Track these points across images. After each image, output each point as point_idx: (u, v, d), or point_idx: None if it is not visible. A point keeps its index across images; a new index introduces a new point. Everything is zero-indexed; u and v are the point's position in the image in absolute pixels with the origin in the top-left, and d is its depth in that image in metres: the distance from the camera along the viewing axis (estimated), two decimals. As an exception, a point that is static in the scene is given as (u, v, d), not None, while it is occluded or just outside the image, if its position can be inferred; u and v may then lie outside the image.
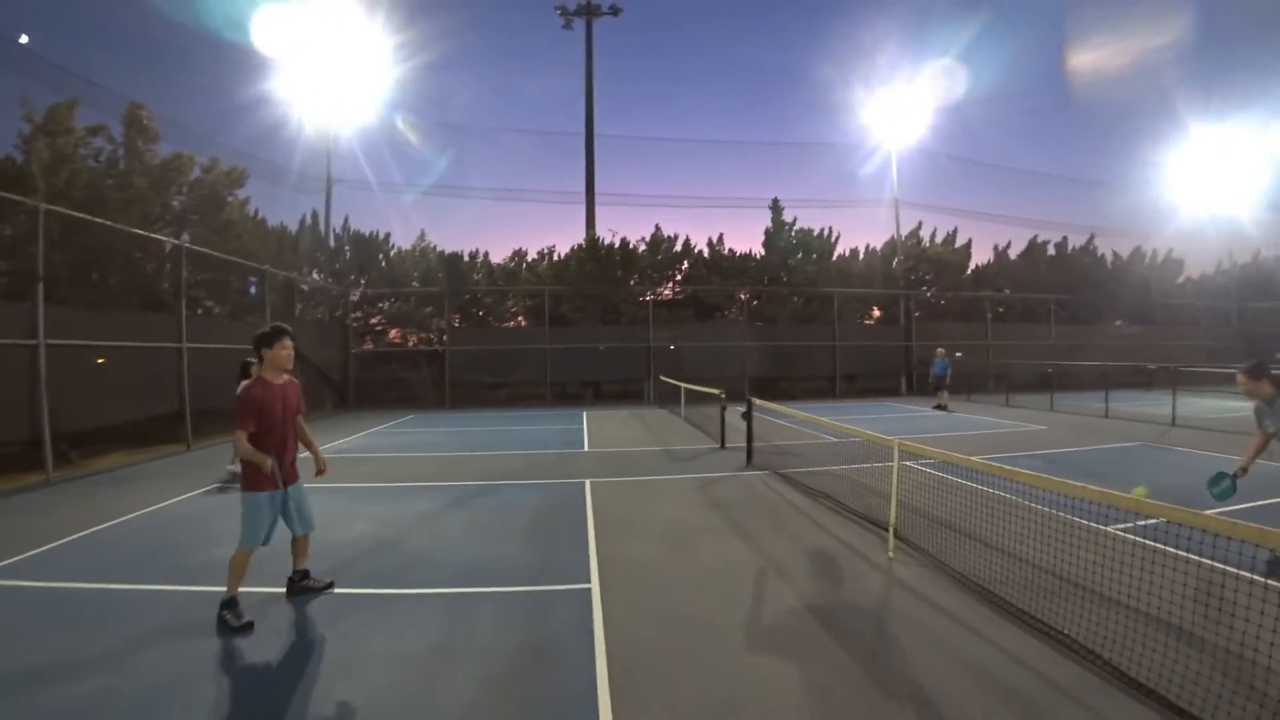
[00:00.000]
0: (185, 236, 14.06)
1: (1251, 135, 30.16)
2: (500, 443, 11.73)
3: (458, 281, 21.90)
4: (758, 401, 9.53)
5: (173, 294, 12.05)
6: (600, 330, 21.75)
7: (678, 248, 23.77)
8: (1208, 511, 2.92)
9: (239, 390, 4.06)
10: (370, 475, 8.78)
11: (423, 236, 22.99)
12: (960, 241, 26.25)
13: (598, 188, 26.64)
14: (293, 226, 20.90)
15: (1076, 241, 27.80)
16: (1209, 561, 3.16)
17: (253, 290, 15.31)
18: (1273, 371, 4.56)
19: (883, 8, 58.84)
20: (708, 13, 63.56)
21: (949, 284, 25.55)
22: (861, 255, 25.48)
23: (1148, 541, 4.14)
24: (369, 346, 21.98)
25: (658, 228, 23.77)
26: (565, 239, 54.45)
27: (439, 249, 22.78)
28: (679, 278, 23.95)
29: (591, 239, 23.61)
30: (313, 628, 3.87)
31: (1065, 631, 3.46)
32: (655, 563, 4.91)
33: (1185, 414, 13.12)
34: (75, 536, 5.83)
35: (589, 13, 26.53)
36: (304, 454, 4.38)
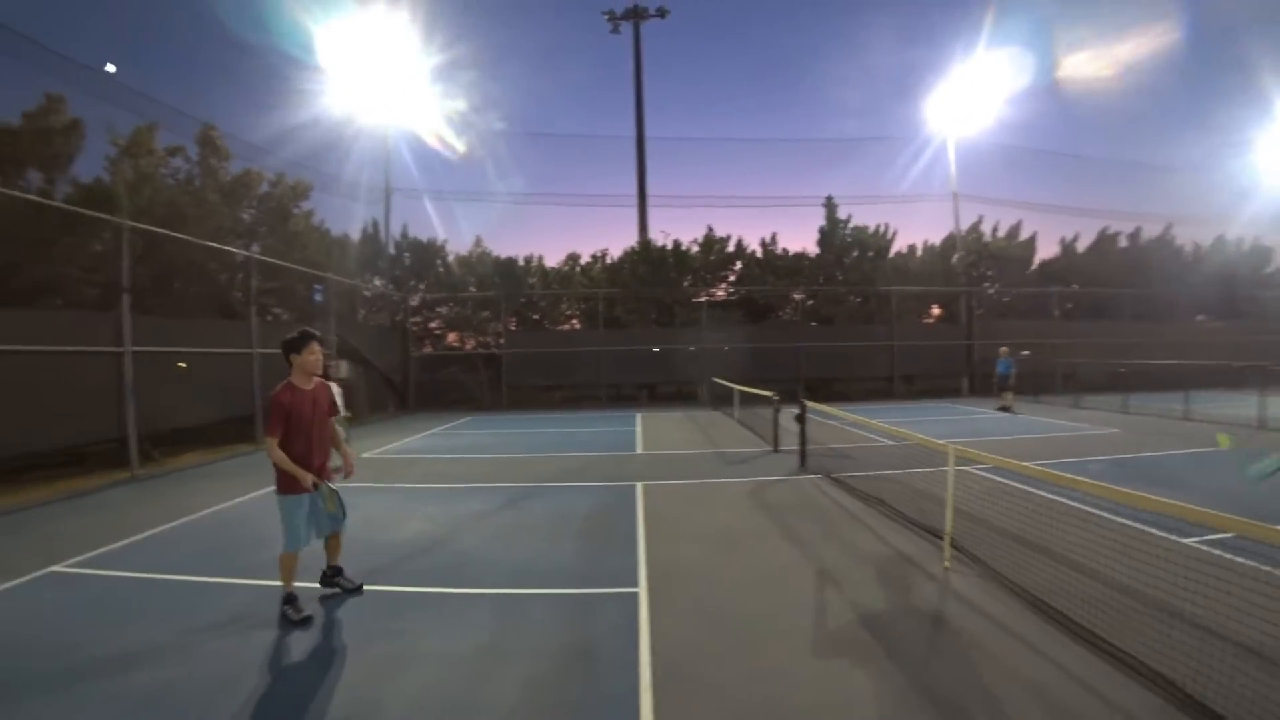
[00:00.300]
0: (255, 247, 14.82)
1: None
2: (554, 445, 11.94)
3: (513, 285, 22.33)
4: (810, 404, 9.43)
5: (244, 302, 12.72)
6: (654, 332, 21.86)
7: (730, 248, 23.64)
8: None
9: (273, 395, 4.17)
10: (427, 476, 9.08)
11: (479, 242, 23.60)
12: (1024, 235, 25.34)
13: (650, 190, 26.76)
14: (355, 235, 21.77)
15: (1151, 232, 26.43)
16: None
17: (318, 297, 16.03)
18: None
19: (940, -5, 56.99)
20: (756, 9, 62.88)
21: (1012, 280, 24.62)
22: (919, 252, 24.84)
23: (1228, 556, 3.95)
24: (428, 350, 22.62)
25: (710, 228, 23.71)
26: (618, 242, 54.83)
27: (494, 254, 23.32)
28: (732, 278, 23.82)
29: (644, 241, 23.73)
30: (367, 624, 4.04)
31: (1132, 652, 3.31)
32: (703, 567, 4.94)
33: (1277, 415, 12.30)
34: (154, 531, 6.29)
35: (636, 15, 26.62)
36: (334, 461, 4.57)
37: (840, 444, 10.19)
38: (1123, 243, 25.95)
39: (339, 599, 4.41)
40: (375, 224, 22.80)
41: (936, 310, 25.05)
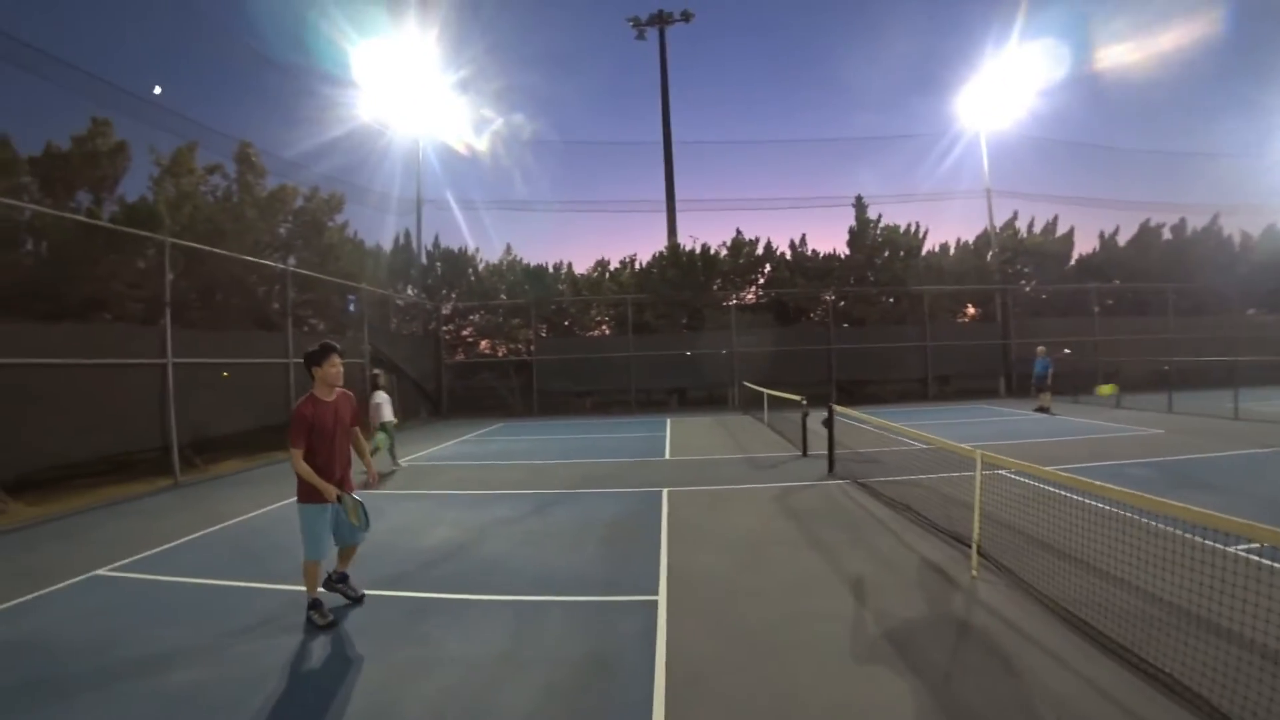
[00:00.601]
0: (291, 260, 15.26)
1: None
2: (583, 451, 12.01)
3: (543, 293, 22.54)
4: (838, 408, 9.32)
5: (280, 313, 13.09)
6: (683, 337, 21.85)
7: (759, 251, 23.54)
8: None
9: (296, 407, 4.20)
10: (456, 483, 9.21)
11: (509, 250, 23.87)
12: (1061, 230, 24.67)
13: (678, 194, 26.82)
14: (387, 246, 22.25)
15: (1197, 222, 25.38)
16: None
17: (351, 308, 16.42)
18: None
19: (971, -12, 56.01)
20: (781, 7, 62.56)
21: (1050, 277, 23.91)
22: (953, 250, 24.36)
23: (1276, 565, 3.77)
24: (460, 358, 22.95)
25: (738, 231, 23.67)
26: (647, 247, 54.91)
27: (524, 262, 23.58)
28: (761, 281, 23.70)
29: (673, 245, 23.76)
30: (389, 629, 4.12)
31: (1167, 669, 3.15)
32: (725, 575, 4.92)
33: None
34: (192, 536, 6.52)
35: (661, 21, 26.73)
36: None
37: (869, 448, 10.06)
38: (1166, 235, 25.06)
39: (366, 604, 4.50)
40: (407, 234, 23.30)
41: (971, 309, 24.53)
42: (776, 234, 48.45)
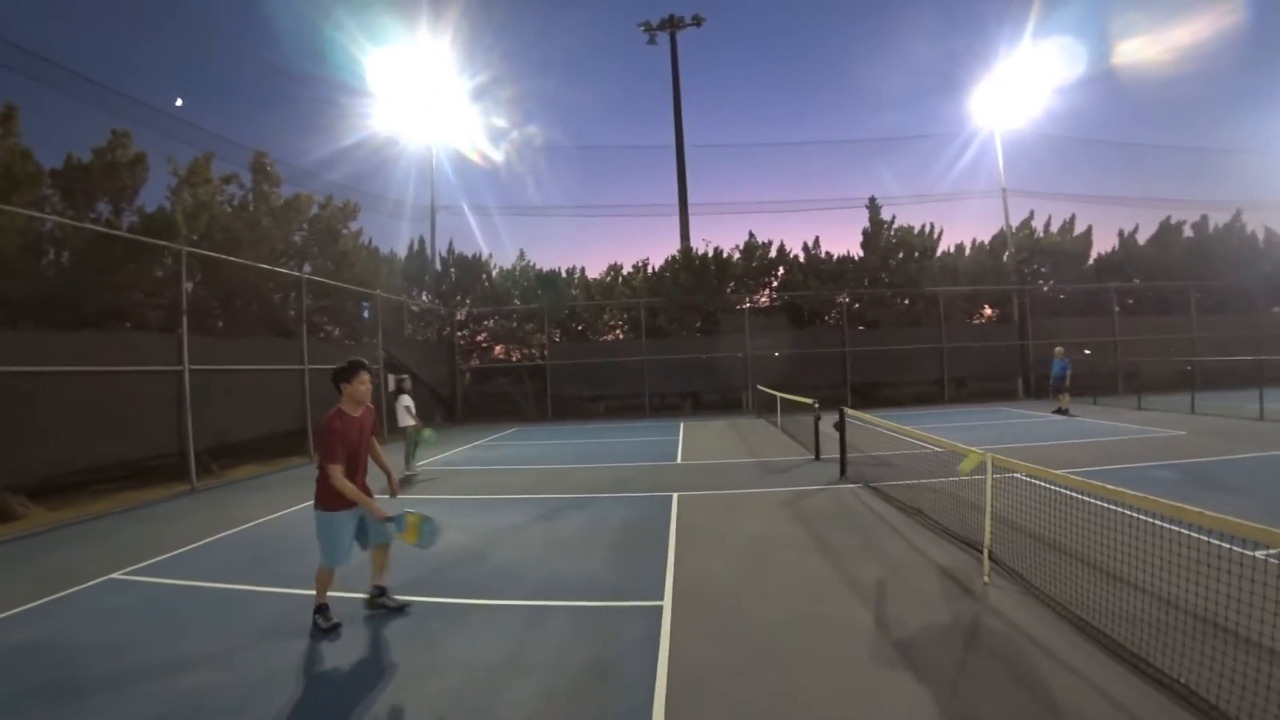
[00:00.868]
0: (306, 268, 15.44)
1: None
2: (596, 455, 12.01)
3: (556, 298, 22.61)
4: (850, 411, 9.25)
5: (296, 320, 13.23)
6: (697, 340, 21.81)
7: (772, 253, 23.45)
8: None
9: (325, 420, 4.17)
10: (467, 488, 9.24)
11: (522, 256, 23.96)
12: (1079, 229, 24.30)
13: (690, 197, 26.82)
14: (401, 253, 22.44)
15: (1219, 219, 24.86)
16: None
17: (366, 314, 16.57)
18: None
19: (985, -13, 55.58)
20: (792, 9, 62.43)
21: (1068, 276, 23.56)
22: (968, 250, 24.09)
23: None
24: (475, 363, 23.07)
25: (751, 234, 23.59)
26: (660, 251, 54.94)
27: (538, 267, 23.66)
28: (775, 284, 23.60)
29: (686, 249, 23.74)
30: (395, 633, 4.14)
31: (1183, 680, 3.04)
32: (732, 581, 4.88)
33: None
34: (205, 541, 6.61)
35: (672, 25, 26.79)
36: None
37: (883, 451, 9.96)
38: (1187, 232, 24.58)
39: (372, 609, 4.50)
40: (421, 241, 23.48)
41: (988, 311, 24.24)
42: (790, 237, 48.25)
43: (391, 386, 12.08)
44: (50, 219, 10.45)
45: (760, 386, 17.66)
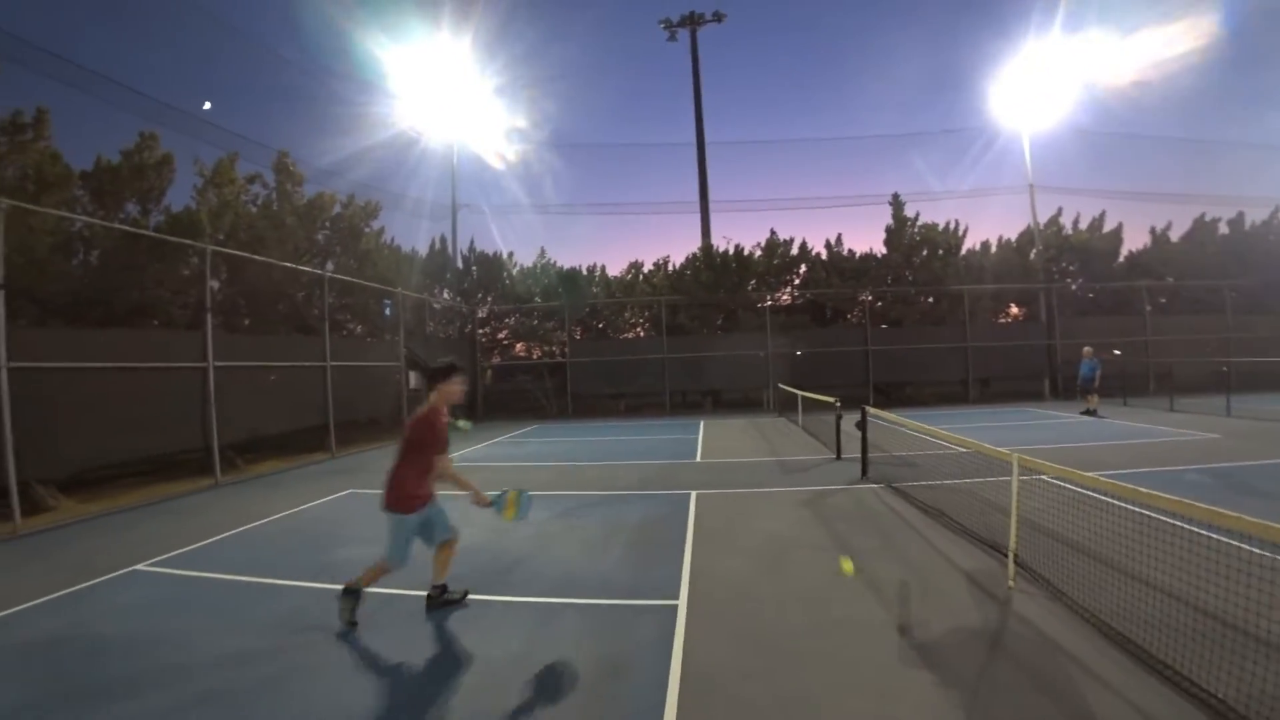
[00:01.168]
0: (329, 266, 15.59)
1: None
2: (615, 453, 11.99)
3: (577, 295, 22.63)
4: (873, 410, 9.11)
5: (318, 318, 13.39)
6: (717, 338, 21.70)
7: (794, 251, 23.26)
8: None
9: (422, 419, 4.24)
10: (486, 485, 9.09)
11: (543, 253, 24.02)
12: (1109, 226, 23.68)
13: (711, 195, 26.69)
14: (423, 250, 22.60)
15: (1257, 216, 23.97)
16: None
17: (387, 312, 16.71)
18: None
19: (1014, -20, 54.47)
20: (813, 6, 61.84)
21: (1097, 274, 22.99)
22: (994, 248, 23.64)
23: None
24: (496, 360, 23.18)
25: (773, 231, 23.41)
26: (680, 249, 54.81)
27: (558, 265, 23.72)
28: (797, 282, 23.39)
29: (706, 246, 23.63)
30: (409, 629, 4.14)
31: (1219, 694, 2.91)
32: (748, 581, 4.82)
33: None
34: (228, 534, 6.71)
35: (693, 22, 26.67)
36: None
37: (905, 450, 9.81)
38: (1223, 229, 23.81)
39: (390, 605, 4.52)
40: (443, 239, 23.61)
41: (1014, 309, 23.79)
42: (812, 234, 47.99)
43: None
44: (80, 219, 10.66)
45: (781, 385, 17.51)
